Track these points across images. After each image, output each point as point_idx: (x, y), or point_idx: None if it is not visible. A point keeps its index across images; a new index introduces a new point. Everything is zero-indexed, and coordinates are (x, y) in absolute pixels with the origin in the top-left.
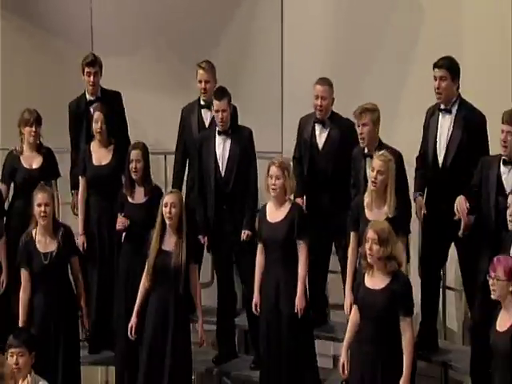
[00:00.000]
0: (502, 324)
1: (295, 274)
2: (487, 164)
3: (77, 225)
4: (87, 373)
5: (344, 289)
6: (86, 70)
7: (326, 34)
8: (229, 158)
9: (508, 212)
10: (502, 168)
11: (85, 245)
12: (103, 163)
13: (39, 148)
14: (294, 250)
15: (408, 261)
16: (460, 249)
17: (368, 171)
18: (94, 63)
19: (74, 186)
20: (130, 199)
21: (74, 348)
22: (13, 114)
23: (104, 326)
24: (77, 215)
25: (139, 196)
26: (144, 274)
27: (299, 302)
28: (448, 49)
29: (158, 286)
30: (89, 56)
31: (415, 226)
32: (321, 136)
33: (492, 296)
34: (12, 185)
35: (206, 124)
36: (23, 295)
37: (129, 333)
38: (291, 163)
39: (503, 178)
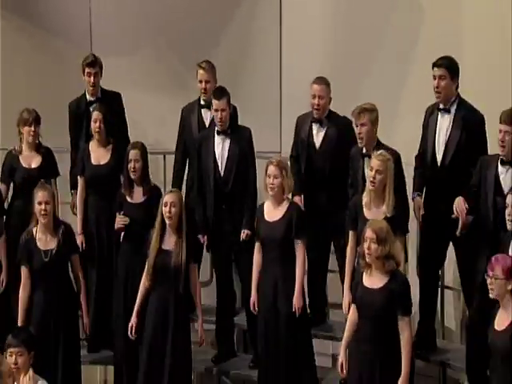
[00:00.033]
0: (500, 323)
1: (293, 273)
2: (486, 164)
3: (76, 224)
4: (86, 372)
5: (342, 288)
6: (87, 70)
7: (324, 35)
8: (228, 157)
9: (507, 212)
10: (500, 168)
11: (83, 244)
12: (102, 163)
13: (38, 147)
14: (292, 249)
15: (406, 260)
16: (458, 248)
17: (366, 171)
18: (94, 64)
19: (74, 185)
20: (128, 199)
21: (74, 347)
22: (13, 114)
23: (103, 325)
24: (76, 215)
25: (138, 196)
26: (144, 273)
27: (297, 301)
28: (448, 49)
29: (157, 285)
30: (89, 56)
31: (413, 225)
32: (318, 135)
33: (490, 295)
34: (12, 184)
35: (206, 124)
36: (23, 292)
37: (129, 332)
38: (289, 162)
39: (501, 178)
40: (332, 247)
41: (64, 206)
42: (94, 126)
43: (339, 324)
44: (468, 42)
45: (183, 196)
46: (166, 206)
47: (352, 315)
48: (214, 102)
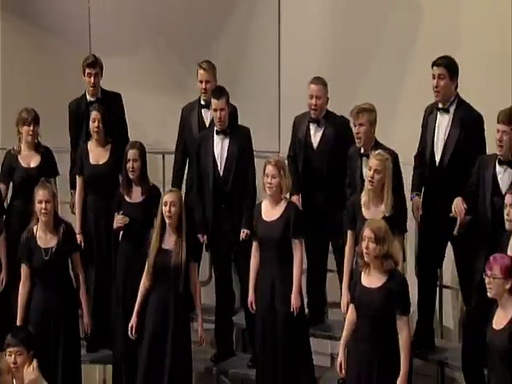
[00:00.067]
0: (498, 322)
1: (290, 272)
2: (484, 163)
3: (75, 224)
4: (85, 371)
5: (341, 287)
6: (87, 71)
7: (323, 34)
8: (227, 157)
9: (505, 212)
10: (498, 168)
11: (82, 244)
12: (100, 162)
13: (37, 147)
14: (290, 248)
15: (404, 259)
16: (456, 248)
17: (364, 171)
18: (94, 64)
19: (74, 185)
20: (127, 198)
21: (75, 346)
22: (12, 114)
23: (102, 324)
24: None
25: (136, 195)
26: (144, 273)
27: (295, 300)
28: (446, 47)
29: (157, 285)
30: (89, 57)
31: (412, 225)
32: (316, 135)
33: (488, 294)
34: (11, 184)
35: (207, 124)
36: (22, 290)
37: (129, 332)
38: (286, 162)
39: (499, 178)
40: (330, 247)
41: (63, 206)
42: (93, 125)
43: (338, 323)
44: (466, 40)
45: (183, 195)
46: (165, 206)
47: (350, 315)
48: (213, 102)
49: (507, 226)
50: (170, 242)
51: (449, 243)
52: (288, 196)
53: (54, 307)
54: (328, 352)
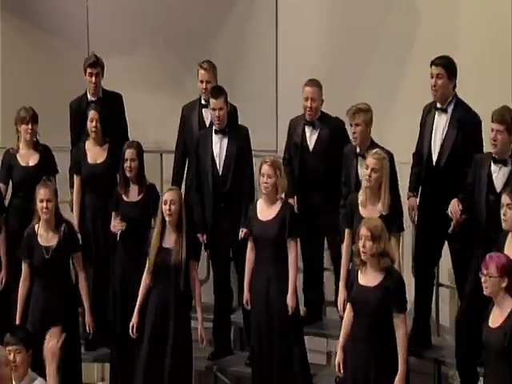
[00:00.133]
0: (494, 320)
1: (285, 271)
2: (479, 162)
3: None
4: (83, 369)
5: (336, 286)
6: (88, 70)
7: (320, 36)
8: (226, 156)
9: (502, 212)
10: (493, 166)
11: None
12: (98, 162)
13: (36, 145)
14: (285, 248)
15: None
16: (452, 246)
17: (360, 170)
18: (95, 64)
19: (73, 184)
20: (124, 197)
21: (74, 345)
22: (13, 114)
23: (100, 323)
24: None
25: (133, 194)
26: (145, 271)
27: (290, 300)
28: (444, 51)
29: (158, 283)
30: (91, 57)
31: (408, 224)
32: (311, 138)
33: (484, 292)
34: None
35: (207, 123)
36: (22, 288)
37: (130, 331)
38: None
39: (494, 177)
40: (326, 246)
41: (62, 205)
42: (90, 125)
43: (333, 321)
44: (464, 44)
45: (183, 194)
46: (165, 204)
47: (348, 314)
48: (212, 101)
49: (504, 225)
50: (170, 241)
51: (446, 242)
52: (283, 196)
53: (53, 306)
54: (324, 350)
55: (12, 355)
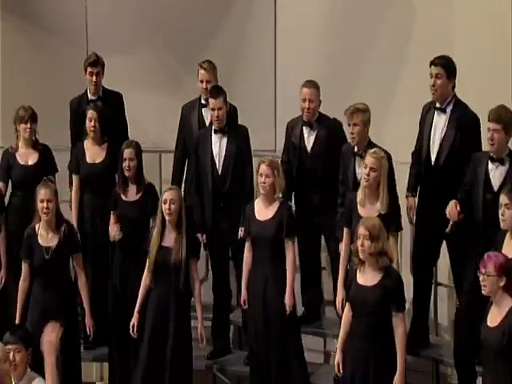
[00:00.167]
0: (492, 319)
1: (283, 271)
2: (477, 160)
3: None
4: (82, 369)
5: (333, 286)
6: (89, 69)
7: (319, 36)
8: (225, 156)
9: (500, 212)
10: (490, 165)
11: None
12: (97, 161)
13: (35, 145)
14: (282, 248)
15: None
16: (450, 245)
17: (357, 170)
18: (96, 63)
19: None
20: (123, 197)
21: (74, 345)
22: (13, 113)
23: (99, 322)
24: None
25: (132, 194)
26: (145, 270)
27: (288, 299)
28: (440, 47)
29: (158, 282)
30: (91, 56)
31: (406, 223)
32: (309, 139)
33: (483, 292)
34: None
35: (207, 123)
36: (22, 287)
37: (131, 330)
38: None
39: (491, 175)
40: (323, 245)
41: (62, 204)
42: (89, 124)
43: (330, 320)
44: (460, 41)
45: (183, 194)
46: (165, 204)
47: (347, 314)
48: (211, 101)
49: (502, 225)
50: (170, 240)
51: (444, 241)
52: (281, 196)
53: (53, 307)
54: (321, 349)
55: (11, 354)
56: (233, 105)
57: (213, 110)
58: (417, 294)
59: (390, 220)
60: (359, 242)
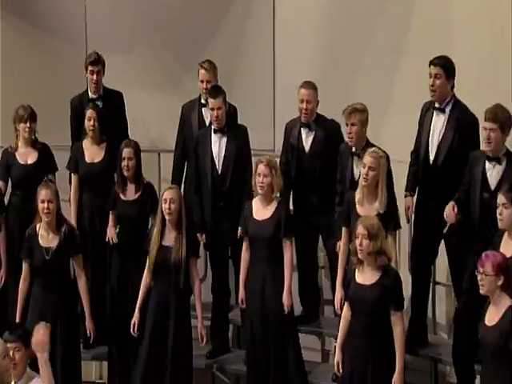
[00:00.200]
0: (490, 318)
1: (281, 271)
2: (475, 160)
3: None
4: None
5: (331, 285)
6: (89, 68)
7: (318, 36)
8: (225, 156)
9: (498, 211)
10: (487, 164)
11: None
12: (96, 160)
13: (34, 144)
14: (280, 247)
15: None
16: (448, 245)
17: (355, 169)
18: (97, 62)
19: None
20: (122, 196)
21: (74, 345)
22: (13, 113)
23: (98, 321)
24: None
25: (131, 193)
26: (145, 270)
27: (286, 299)
28: (439, 40)
29: (158, 281)
30: (92, 55)
31: (405, 222)
32: (307, 139)
33: (481, 291)
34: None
35: (207, 122)
36: (23, 286)
37: (131, 329)
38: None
39: (488, 175)
40: (321, 245)
41: (61, 203)
42: (88, 124)
43: (328, 319)
44: (459, 33)
45: (182, 193)
46: (165, 203)
47: (346, 313)
48: (210, 101)
49: (500, 225)
50: (170, 239)
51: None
52: (279, 195)
53: (52, 307)
54: (319, 348)
55: (11, 353)
56: (232, 105)
57: (212, 109)
58: (415, 293)
59: (389, 219)
60: (358, 241)
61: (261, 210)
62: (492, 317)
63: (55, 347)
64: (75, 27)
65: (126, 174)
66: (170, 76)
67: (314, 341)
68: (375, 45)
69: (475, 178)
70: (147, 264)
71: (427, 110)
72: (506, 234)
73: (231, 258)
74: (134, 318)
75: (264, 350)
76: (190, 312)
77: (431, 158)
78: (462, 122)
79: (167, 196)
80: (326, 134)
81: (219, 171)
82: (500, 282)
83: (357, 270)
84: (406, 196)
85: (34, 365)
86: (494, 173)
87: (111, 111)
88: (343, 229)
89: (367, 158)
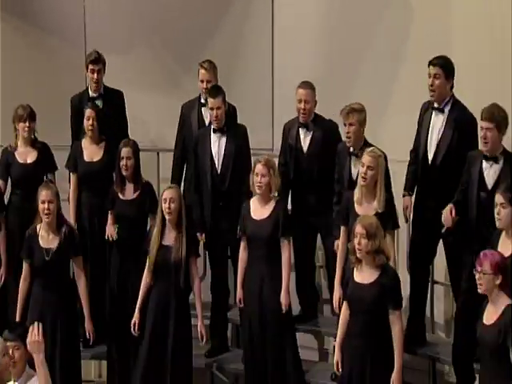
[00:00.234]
0: (488, 317)
1: (279, 271)
2: (472, 159)
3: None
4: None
5: (328, 284)
6: (90, 67)
7: (316, 36)
8: (224, 155)
9: (495, 211)
10: (484, 164)
11: None
12: (95, 160)
13: (34, 143)
14: (278, 247)
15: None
16: (446, 244)
17: (353, 169)
18: (97, 61)
19: None
20: (120, 196)
21: (74, 345)
22: (12, 112)
23: (97, 321)
24: None
25: (130, 192)
26: (146, 269)
27: (284, 298)
28: (438, 47)
29: (158, 281)
30: (92, 53)
31: (403, 221)
32: (305, 139)
33: (479, 290)
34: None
35: (206, 122)
36: (23, 286)
37: (132, 329)
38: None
39: (485, 174)
40: (320, 244)
41: (61, 203)
42: (87, 123)
43: (326, 318)
44: (457, 40)
45: (182, 192)
46: (165, 202)
47: (344, 312)
48: (210, 101)
49: (497, 224)
50: (170, 238)
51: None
52: (277, 195)
53: (52, 307)
54: (316, 347)
55: (10, 351)
56: (232, 104)
57: (211, 109)
58: (413, 292)
59: (387, 218)
60: (356, 241)
61: (259, 210)
62: (490, 316)
63: (55, 347)
64: (74, 27)
65: (124, 173)
66: (169, 76)
67: (311, 340)
68: (374, 52)
69: (472, 178)
70: (147, 264)
71: (426, 110)
72: (503, 234)
73: (230, 258)
74: (134, 318)
75: (262, 349)
76: (190, 311)
77: (430, 157)
78: (461, 122)
79: (167, 195)
80: (324, 134)
81: (219, 171)
82: (498, 281)
83: (355, 269)
84: (404, 195)
85: (32, 365)
86: (491, 172)
87: (111, 110)
88: (342, 228)
89: (366, 158)
